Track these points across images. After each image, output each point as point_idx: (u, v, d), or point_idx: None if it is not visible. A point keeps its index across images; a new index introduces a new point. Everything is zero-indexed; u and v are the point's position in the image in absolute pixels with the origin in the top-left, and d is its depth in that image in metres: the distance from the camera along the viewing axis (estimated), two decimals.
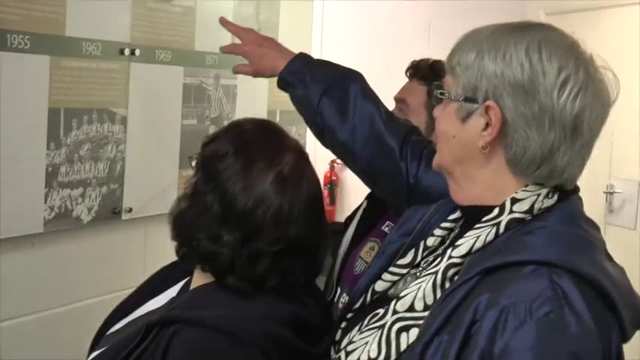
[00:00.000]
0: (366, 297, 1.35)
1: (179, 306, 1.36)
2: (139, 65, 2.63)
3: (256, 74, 1.86)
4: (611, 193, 4.81)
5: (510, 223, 1.18)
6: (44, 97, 2.31)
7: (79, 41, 2.39)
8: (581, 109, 1.18)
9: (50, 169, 2.33)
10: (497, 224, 1.19)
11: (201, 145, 1.43)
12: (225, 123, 2.96)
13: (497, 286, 1.08)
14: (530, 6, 5.82)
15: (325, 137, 1.71)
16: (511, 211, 1.19)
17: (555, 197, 1.21)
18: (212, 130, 2.98)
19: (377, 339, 1.20)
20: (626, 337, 1.15)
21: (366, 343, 1.22)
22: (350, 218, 2.17)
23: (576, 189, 1.28)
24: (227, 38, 2.98)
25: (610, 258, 1.23)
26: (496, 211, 1.20)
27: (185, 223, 1.37)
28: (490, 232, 1.19)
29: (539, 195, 1.20)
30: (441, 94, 1.27)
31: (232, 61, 2.94)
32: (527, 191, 1.20)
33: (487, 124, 1.19)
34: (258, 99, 3.24)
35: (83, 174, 2.47)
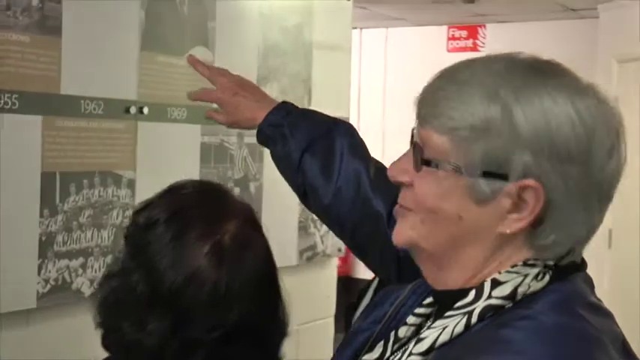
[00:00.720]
0: None
1: None
2: (148, 124, 2.46)
3: (232, 125, 1.62)
4: None
5: (485, 312, 0.90)
6: (36, 160, 2.14)
7: (76, 99, 2.22)
8: (618, 172, 0.93)
9: (44, 238, 2.15)
10: (470, 312, 0.90)
11: (133, 212, 1.24)
12: (252, 185, 2.79)
13: None
14: (602, 53, 5.60)
15: (309, 200, 1.45)
16: (489, 296, 0.90)
17: (547, 278, 0.91)
18: (236, 192, 2.79)
19: None
20: None
21: None
22: (364, 290, 1.92)
23: (582, 265, 0.98)
24: None
25: (627, 352, 0.94)
26: (472, 295, 0.92)
27: (108, 307, 1.16)
28: (460, 321, 0.90)
29: (525, 276, 0.91)
30: (438, 164, 0.92)
31: None
32: (512, 272, 0.91)
33: (513, 204, 0.88)
34: None
35: (84, 243, 2.28)
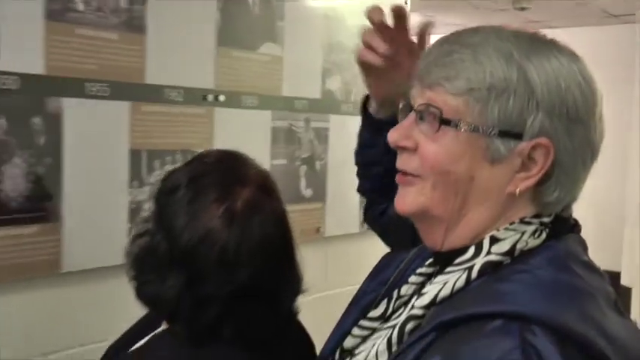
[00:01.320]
0: (334, 355, 0.99)
1: (131, 354, 1.14)
2: (224, 110, 2.41)
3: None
4: None
5: (485, 267, 0.82)
6: (125, 140, 2.11)
7: (159, 88, 2.19)
8: (602, 142, 0.88)
9: (133, 206, 2.12)
10: (470, 268, 0.82)
11: (161, 178, 1.18)
12: (318, 163, 2.74)
13: (452, 346, 0.74)
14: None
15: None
16: (488, 252, 0.83)
17: (544, 235, 0.84)
18: (303, 169, 2.74)
19: None
20: None
21: None
22: None
23: (576, 227, 0.89)
24: (316, 85, 2.79)
25: (620, 311, 0.84)
26: (471, 251, 0.84)
27: (137, 263, 1.12)
28: (460, 277, 0.83)
29: (523, 233, 0.83)
30: (458, 124, 0.83)
31: (320, 107, 2.74)
32: (510, 229, 0.84)
33: (522, 163, 0.82)
34: (351, 139, 2.93)
35: None
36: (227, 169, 1.14)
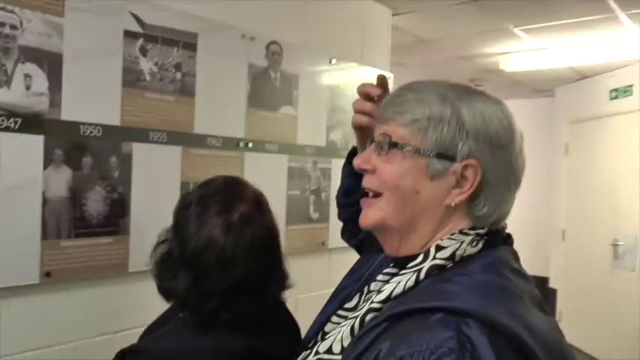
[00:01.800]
0: (317, 338, 0.93)
1: (152, 336, 1.11)
2: (252, 154, 2.38)
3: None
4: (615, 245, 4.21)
5: (431, 270, 0.77)
6: (177, 174, 2.08)
7: (204, 137, 2.17)
8: (523, 173, 0.83)
9: (158, 236, 2.07)
10: (419, 270, 0.78)
11: (180, 198, 1.16)
12: (323, 194, 2.70)
13: (400, 334, 0.69)
14: (556, 119, 5.40)
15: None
16: (434, 258, 0.78)
17: (480, 245, 0.79)
18: (312, 198, 2.70)
19: None
20: None
21: None
22: None
23: (509, 240, 0.84)
24: (322, 136, 2.77)
25: (544, 310, 0.78)
26: (421, 257, 0.80)
27: (158, 264, 1.11)
28: (411, 278, 0.78)
29: (462, 242, 0.78)
30: (403, 147, 0.81)
31: (325, 153, 2.71)
32: (452, 239, 0.79)
33: (457, 181, 0.78)
34: None
35: None
36: (229, 190, 1.11)
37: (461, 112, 0.78)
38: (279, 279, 1.12)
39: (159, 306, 1.86)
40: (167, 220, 2.04)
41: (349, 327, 0.81)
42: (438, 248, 0.79)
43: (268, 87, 2.46)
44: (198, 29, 2.14)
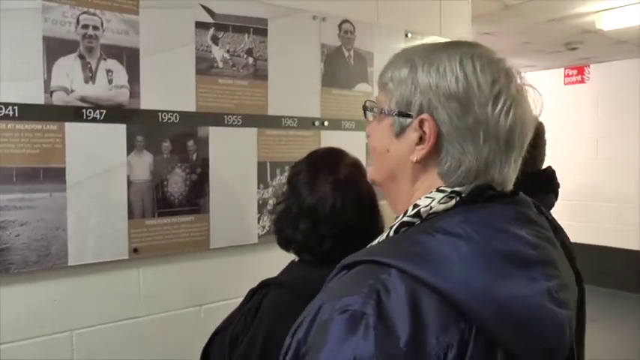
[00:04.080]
0: None
1: (275, 277, 1.26)
2: (328, 132, 2.33)
3: None
4: None
5: (400, 227, 0.74)
6: (254, 155, 2.10)
7: (278, 117, 2.16)
8: (513, 122, 0.74)
9: (260, 202, 2.10)
10: (391, 227, 0.75)
11: (290, 168, 1.35)
12: None
13: (334, 282, 0.72)
14: None
15: None
16: (405, 215, 0.73)
17: (452, 202, 0.72)
18: None
19: None
20: (516, 356, 0.65)
21: None
22: None
23: (496, 195, 0.74)
24: None
25: (544, 274, 0.69)
26: (401, 215, 0.75)
27: (278, 220, 1.29)
28: (384, 234, 0.75)
29: (433, 199, 0.72)
30: (372, 109, 0.83)
31: None
32: (428, 197, 0.73)
33: (421, 138, 0.74)
34: None
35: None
36: (332, 156, 1.30)
37: (417, 71, 0.76)
38: (378, 225, 1.26)
39: (239, 280, 1.90)
40: (246, 199, 2.08)
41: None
42: (414, 207, 0.75)
43: (342, 66, 2.40)
44: (268, 15, 2.12)
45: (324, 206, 1.19)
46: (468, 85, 0.72)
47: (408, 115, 0.76)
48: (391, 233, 0.74)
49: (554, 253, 0.74)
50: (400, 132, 0.77)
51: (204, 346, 1.29)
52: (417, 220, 0.73)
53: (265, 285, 1.22)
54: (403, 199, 0.79)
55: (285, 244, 1.26)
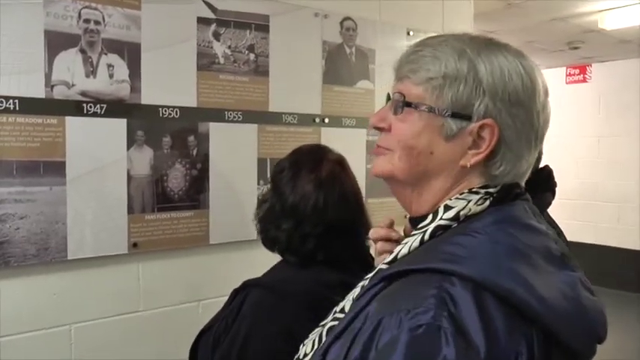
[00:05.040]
0: None
1: (258, 278, 1.25)
2: (329, 129, 2.32)
3: None
4: None
5: (436, 230, 0.70)
6: (254, 151, 2.09)
7: (279, 114, 2.15)
8: (548, 127, 0.75)
9: (260, 197, 2.08)
10: (425, 231, 0.71)
11: (274, 165, 1.33)
12: None
13: (388, 295, 0.65)
14: None
15: None
16: (440, 218, 0.70)
17: (487, 203, 0.70)
18: None
19: (316, 335, 0.78)
20: (573, 352, 0.64)
21: (313, 339, 0.78)
22: None
23: (520, 193, 0.74)
24: None
25: (567, 266, 0.69)
26: (430, 217, 0.72)
27: (261, 220, 1.27)
28: (417, 239, 0.71)
29: (469, 201, 0.70)
30: (417, 105, 0.72)
31: None
32: (461, 198, 0.71)
33: (473, 141, 0.70)
34: None
35: None
36: (315, 153, 1.27)
37: (478, 69, 0.70)
38: (363, 224, 1.24)
39: (238, 277, 1.87)
40: (246, 195, 2.08)
41: (360, 286, 0.77)
42: (447, 208, 0.71)
43: (344, 63, 2.39)
44: (269, 11, 2.11)
45: (306, 205, 1.17)
46: (533, 90, 0.70)
47: (467, 118, 0.70)
48: (426, 237, 0.71)
49: (564, 244, 0.75)
50: (452, 135, 0.71)
51: (192, 345, 1.29)
52: (454, 224, 0.70)
53: (247, 286, 1.21)
54: (432, 200, 0.75)
55: (270, 245, 1.24)
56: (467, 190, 0.72)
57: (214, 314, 1.33)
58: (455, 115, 0.70)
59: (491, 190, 0.72)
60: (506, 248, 0.65)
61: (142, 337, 1.80)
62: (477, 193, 0.71)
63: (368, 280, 0.74)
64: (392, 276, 0.67)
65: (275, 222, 1.21)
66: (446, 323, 0.57)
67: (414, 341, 0.56)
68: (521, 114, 0.70)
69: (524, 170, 0.73)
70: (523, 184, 0.75)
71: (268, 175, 2.11)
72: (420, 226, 0.73)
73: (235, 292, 1.24)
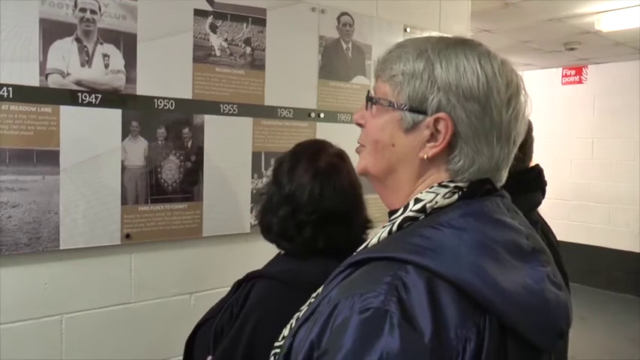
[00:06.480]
0: None
1: (262, 269, 1.26)
2: (324, 124, 2.33)
3: None
4: None
5: (404, 222, 0.73)
6: (249, 145, 2.09)
7: (274, 108, 2.15)
8: (520, 125, 0.76)
9: (254, 192, 2.09)
10: (394, 222, 0.73)
11: (275, 160, 1.35)
12: None
13: (349, 279, 0.69)
14: None
15: None
16: (410, 210, 0.73)
17: (455, 197, 0.72)
18: None
19: (294, 319, 0.82)
20: (531, 344, 0.66)
21: (291, 322, 0.82)
22: None
23: (492, 189, 0.75)
24: None
25: (537, 260, 0.71)
26: (401, 209, 0.75)
27: (261, 210, 1.29)
28: (386, 230, 0.74)
29: (437, 194, 0.72)
30: (378, 101, 0.78)
31: None
32: (430, 192, 0.73)
33: (431, 135, 0.73)
34: None
35: None
36: (314, 148, 1.29)
37: (434, 67, 0.73)
38: (359, 214, 1.26)
39: (230, 269, 1.89)
40: (240, 188, 2.08)
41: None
42: (416, 201, 0.74)
43: (340, 58, 2.39)
44: (267, 5, 2.11)
45: (302, 193, 1.20)
46: (489, 87, 0.72)
47: (423, 112, 0.73)
48: (394, 228, 0.74)
49: (540, 240, 0.76)
50: (411, 128, 0.75)
51: (187, 339, 1.29)
52: (421, 215, 0.72)
53: (253, 277, 1.21)
54: (402, 193, 0.78)
55: (266, 232, 1.26)
56: (436, 184, 0.74)
57: (207, 307, 1.32)
58: (412, 110, 0.74)
59: (460, 184, 0.74)
60: (470, 241, 0.66)
61: (134, 328, 1.80)
62: (445, 186, 0.73)
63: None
64: (357, 263, 0.70)
65: (272, 210, 1.24)
66: (393, 308, 0.60)
67: (362, 323, 0.60)
68: (477, 110, 0.72)
69: (491, 167, 0.74)
70: (500, 180, 0.77)
71: (263, 169, 2.12)
72: (392, 218, 0.76)
73: (239, 284, 1.24)
